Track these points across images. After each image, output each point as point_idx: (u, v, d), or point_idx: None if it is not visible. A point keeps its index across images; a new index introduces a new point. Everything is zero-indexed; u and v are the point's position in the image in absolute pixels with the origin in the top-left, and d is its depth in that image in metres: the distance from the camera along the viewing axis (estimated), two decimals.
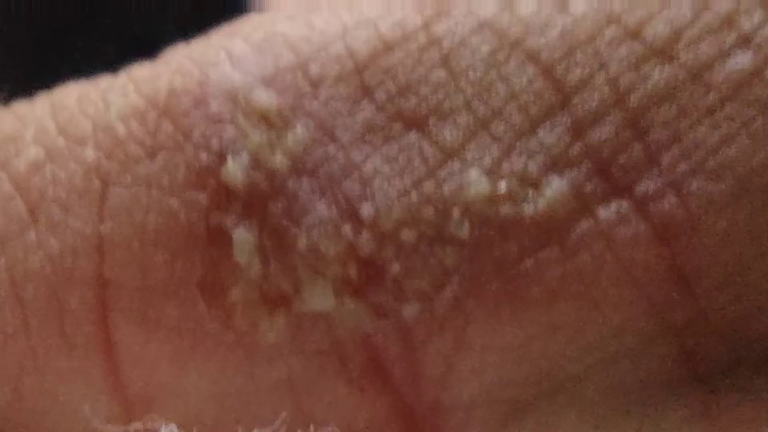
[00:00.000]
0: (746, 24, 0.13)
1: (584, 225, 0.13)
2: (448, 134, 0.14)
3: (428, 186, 0.14)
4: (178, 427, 0.15)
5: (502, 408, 0.14)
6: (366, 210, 0.14)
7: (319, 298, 0.14)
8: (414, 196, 0.14)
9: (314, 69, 0.14)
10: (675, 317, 0.13)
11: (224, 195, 0.14)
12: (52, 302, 0.15)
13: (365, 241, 0.14)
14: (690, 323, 0.13)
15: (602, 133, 0.13)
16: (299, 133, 0.14)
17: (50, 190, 0.15)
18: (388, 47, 0.14)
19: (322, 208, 0.14)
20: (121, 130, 0.15)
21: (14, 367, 0.15)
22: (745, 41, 0.13)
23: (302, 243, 0.14)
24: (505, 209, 0.13)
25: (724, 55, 0.13)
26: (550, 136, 0.13)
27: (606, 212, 0.13)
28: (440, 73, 0.14)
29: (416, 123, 0.14)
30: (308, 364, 0.14)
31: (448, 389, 0.14)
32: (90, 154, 0.15)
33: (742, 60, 0.13)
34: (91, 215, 0.14)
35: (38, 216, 0.15)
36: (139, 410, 0.15)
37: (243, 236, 0.14)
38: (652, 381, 0.13)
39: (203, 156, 0.14)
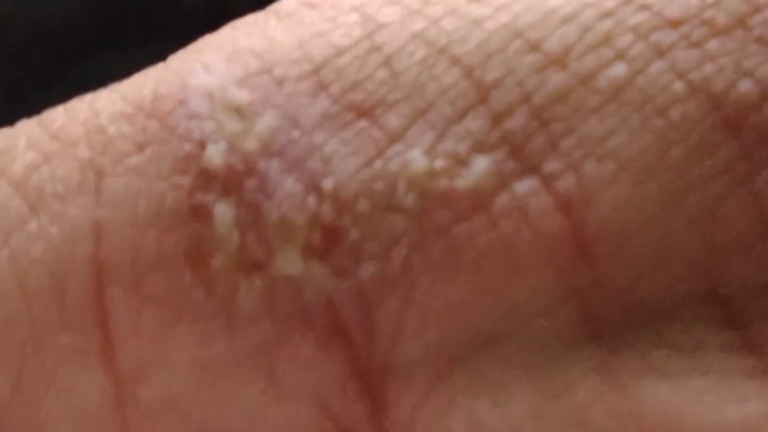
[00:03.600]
0: (620, 42, 0.17)
1: (504, 197, 0.16)
2: (393, 121, 0.17)
3: (378, 164, 0.16)
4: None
5: (440, 364, 0.16)
6: (327, 184, 0.16)
7: (289, 263, 0.16)
8: (366, 172, 0.16)
9: (278, 71, 0.17)
10: (578, 281, 0.16)
11: (205, 177, 0.17)
12: (53, 286, 0.16)
13: (327, 211, 0.16)
14: (590, 287, 0.16)
15: (514, 123, 0.16)
16: (267, 121, 0.17)
17: (48, 186, 0.17)
18: (339, 52, 0.17)
19: (289, 184, 0.16)
20: (111, 130, 0.17)
21: (17, 353, 0.16)
22: (621, 56, 0.17)
23: (274, 214, 0.16)
24: (442, 182, 0.16)
25: (604, 66, 0.16)
26: (474, 124, 0.16)
27: (520, 187, 0.16)
28: (383, 72, 0.17)
29: (366, 113, 0.17)
30: (280, 328, 0.16)
31: (396, 348, 0.16)
32: (84, 152, 0.17)
33: (619, 70, 0.16)
34: (88, 203, 0.17)
35: (38, 210, 0.17)
36: (129, 385, 0.17)
37: (223, 210, 0.16)
38: (561, 339, 0.16)
39: (186, 146, 0.17)
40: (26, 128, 0.17)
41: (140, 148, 0.17)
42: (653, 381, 0.15)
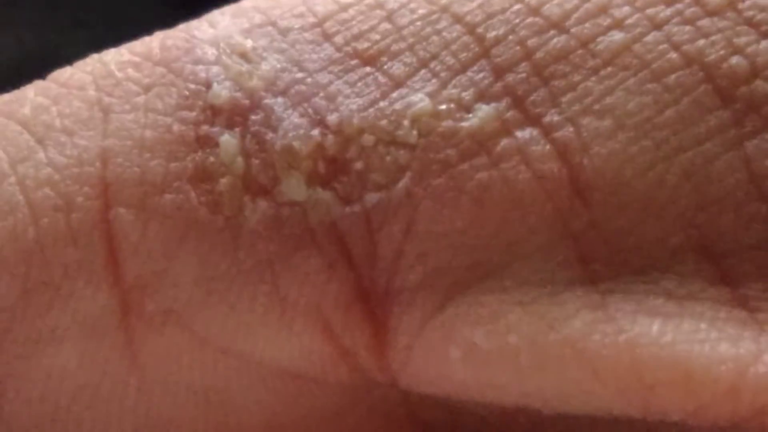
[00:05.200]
0: (618, 13, 0.17)
1: (506, 141, 0.17)
2: (397, 69, 0.17)
3: (383, 104, 0.17)
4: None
5: (440, 292, 0.16)
6: (331, 119, 0.17)
7: (294, 189, 0.17)
8: (372, 111, 0.17)
9: (282, 23, 0.17)
10: (574, 223, 0.16)
11: (210, 112, 0.17)
12: (60, 204, 0.17)
13: (332, 143, 0.17)
14: (585, 229, 0.16)
15: (516, 77, 0.17)
16: (272, 63, 0.17)
17: (56, 122, 0.17)
18: (343, 8, 0.17)
19: (294, 117, 0.17)
20: (119, 74, 0.17)
21: (24, 264, 0.16)
22: (618, 24, 0.17)
23: (278, 144, 0.17)
24: (446, 123, 0.17)
25: (603, 32, 0.17)
26: (477, 75, 0.17)
27: (522, 134, 0.17)
28: (386, 26, 0.17)
29: (370, 60, 0.17)
30: (285, 247, 0.16)
31: (397, 274, 0.16)
32: (91, 93, 0.17)
33: (617, 37, 0.17)
34: (95, 135, 0.17)
35: (45, 142, 0.17)
36: (134, 298, 0.17)
37: (228, 140, 0.17)
38: (557, 277, 0.16)
39: (191, 86, 0.17)
40: (35, 83, 0.18)
41: (147, 89, 0.17)
42: (646, 320, 0.16)
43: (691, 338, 0.15)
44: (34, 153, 0.17)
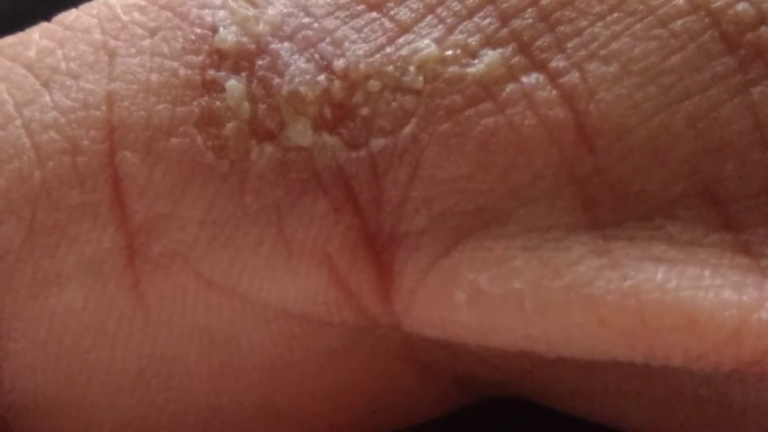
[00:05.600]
0: None
1: (511, 87, 0.17)
2: (403, 14, 0.17)
3: (389, 50, 0.17)
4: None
5: (445, 237, 0.16)
6: (338, 64, 0.17)
7: (300, 134, 0.17)
8: (378, 57, 0.17)
9: None
10: (579, 168, 0.16)
11: (216, 56, 0.17)
12: (66, 147, 0.17)
13: (338, 89, 0.17)
14: (590, 175, 0.16)
15: (522, 23, 0.17)
16: (278, 7, 0.17)
17: (62, 65, 0.17)
18: None
19: (300, 63, 0.17)
20: (125, 18, 0.17)
21: (30, 206, 0.17)
22: None
23: (285, 90, 0.17)
24: (452, 69, 0.17)
25: None
26: (483, 21, 0.17)
27: (527, 80, 0.17)
28: None
29: (377, 6, 0.17)
30: (292, 190, 0.16)
31: (403, 218, 0.16)
32: (97, 37, 0.17)
33: None
34: (101, 79, 0.17)
35: (51, 86, 0.17)
36: (140, 240, 0.17)
37: (234, 85, 0.17)
38: (562, 223, 0.16)
39: (197, 30, 0.17)
40: (41, 25, 0.18)
41: (153, 32, 0.17)
42: (651, 266, 0.16)
43: (695, 284, 0.16)
44: (40, 96, 0.17)
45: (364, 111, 0.16)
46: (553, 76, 0.16)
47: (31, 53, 0.17)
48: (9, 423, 0.18)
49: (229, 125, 0.16)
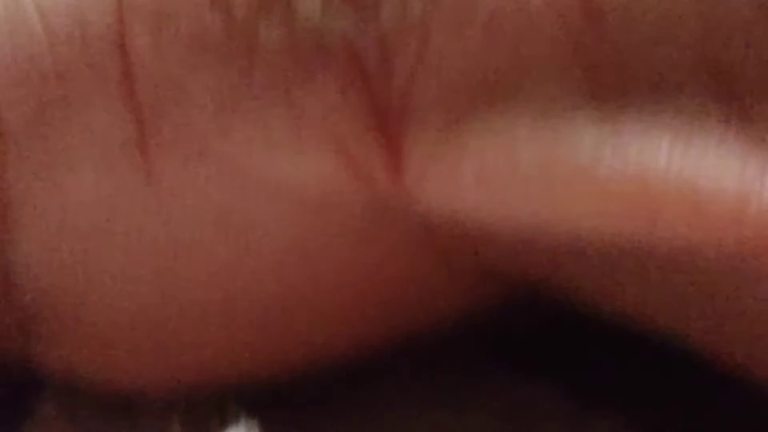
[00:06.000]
0: None
1: None
2: None
3: None
4: None
5: (453, 111, 0.16)
6: None
7: (310, 8, 0.17)
8: None
9: None
10: (585, 46, 0.16)
11: None
12: (75, 26, 0.17)
13: None
14: (596, 51, 0.16)
15: None
16: None
17: None
18: None
19: None
20: None
21: (40, 83, 0.17)
22: None
23: None
24: None
25: None
26: None
27: None
28: None
29: None
30: (301, 64, 0.16)
31: (412, 93, 0.16)
32: None
33: None
34: None
35: None
36: (149, 119, 0.17)
37: None
38: (568, 98, 0.16)
39: None
40: None
41: None
42: (655, 139, 0.16)
43: (698, 163, 0.16)
44: None
45: None
46: None
47: None
48: (26, 326, 0.19)
49: (238, 4, 0.17)
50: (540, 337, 0.24)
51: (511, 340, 0.24)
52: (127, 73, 0.17)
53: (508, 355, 0.24)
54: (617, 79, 0.16)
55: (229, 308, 0.18)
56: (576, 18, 0.16)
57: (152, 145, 0.17)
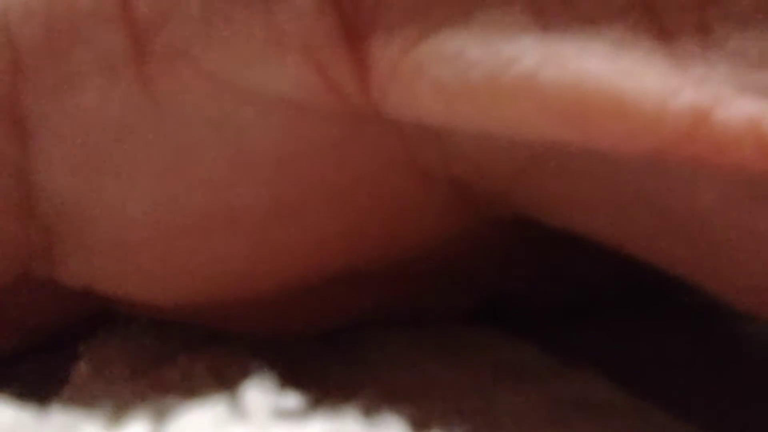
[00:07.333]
0: None
1: None
2: None
3: None
4: None
5: (413, 32, 0.18)
6: None
7: None
8: None
9: None
10: None
11: None
12: None
13: None
14: None
15: None
16: None
17: None
18: None
19: None
20: None
21: (46, 12, 0.19)
22: None
23: None
24: None
25: None
26: None
27: None
28: None
29: None
30: None
31: (378, 14, 0.18)
32: None
33: None
34: None
35: None
36: (145, 37, 0.19)
37: None
38: (514, 24, 0.18)
39: None
40: None
41: None
42: (589, 59, 0.18)
43: (626, 72, 0.18)
44: None
45: None
46: None
47: None
48: (49, 242, 0.20)
49: None
50: (523, 299, 0.26)
51: (497, 302, 0.26)
52: None
53: (493, 315, 0.25)
54: (558, 10, 0.18)
55: (228, 216, 0.20)
56: None
57: (148, 62, 0.18)
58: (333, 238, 0.21)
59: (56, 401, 0.20)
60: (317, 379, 0.21)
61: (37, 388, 0.20)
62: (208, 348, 0.23)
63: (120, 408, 0.20)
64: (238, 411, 0.17)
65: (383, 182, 0.20)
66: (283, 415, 0.17)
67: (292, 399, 0.17)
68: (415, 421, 0.18)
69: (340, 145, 0.20)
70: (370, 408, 0.18)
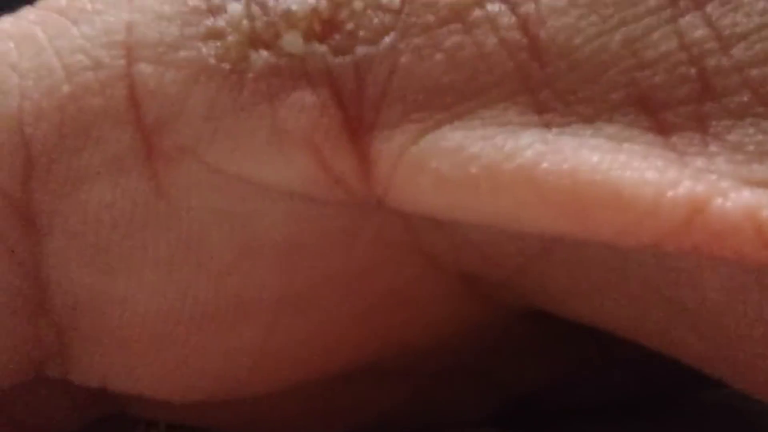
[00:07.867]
0: None
1: (478, 12, 0.19)
2: None
3: None
4: None
5: (415, 128, 0.18)
6: None
7: (293, 43, 0.19)
8: None
9: None
10: (531, 79, 0.18)
11: None
12: (89, 62, 0.19)
13: (325, 8, 0.19)
14: (541, 85, 0.18)
15: None
16: None
17: (88, 6, 0.20)
18: None
19: None
20: None
21: (59, 112, 0.19)
22: None
23: (279, 9, 0.19)
24: None
25: None
26: None
27: (491, 7, 0.19)
28: None
29: None
30: (284, 86, 0.19)
31: (380, 111, 0.19)
32: None
33: None
34: (121, 12, 0.19)
35: (79, 22, 0.19)
36: (154, 137, 0.19)
37: (235, 6, 0.19)
38: (515, 119, 0.18)
39: None
40: None
41: None
42: (588, 152, 0.18)
43: (624, 166, 0.18)
44: (69, 30, 0.19)
45: (349, 26, 0.19)
46: (513, 6, 0.19)
47: (62, 2, 0.20)
48: (62, 338, 0.20)
49: (230, 38, 0.19)
50: (545, 400, 0.25)
51: (520, 404, 0.25)
52: (133, 99, 0.19)
53: (516, 418, 0.25)
54: (559, 108, 0.18)
55: (238, 307, 0.20)
56: (524, 56, 0.19)
57: (157, 159, 0.19)
58: (344, 329, 0.21)
59: None
60: None
61: None
62: None
63: None
64: None
65: (392, 271, 0.20)
66: None
67: None
68: None
69: (347, 235, 0.20)
70: None
